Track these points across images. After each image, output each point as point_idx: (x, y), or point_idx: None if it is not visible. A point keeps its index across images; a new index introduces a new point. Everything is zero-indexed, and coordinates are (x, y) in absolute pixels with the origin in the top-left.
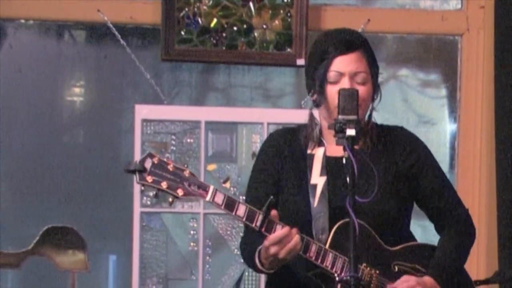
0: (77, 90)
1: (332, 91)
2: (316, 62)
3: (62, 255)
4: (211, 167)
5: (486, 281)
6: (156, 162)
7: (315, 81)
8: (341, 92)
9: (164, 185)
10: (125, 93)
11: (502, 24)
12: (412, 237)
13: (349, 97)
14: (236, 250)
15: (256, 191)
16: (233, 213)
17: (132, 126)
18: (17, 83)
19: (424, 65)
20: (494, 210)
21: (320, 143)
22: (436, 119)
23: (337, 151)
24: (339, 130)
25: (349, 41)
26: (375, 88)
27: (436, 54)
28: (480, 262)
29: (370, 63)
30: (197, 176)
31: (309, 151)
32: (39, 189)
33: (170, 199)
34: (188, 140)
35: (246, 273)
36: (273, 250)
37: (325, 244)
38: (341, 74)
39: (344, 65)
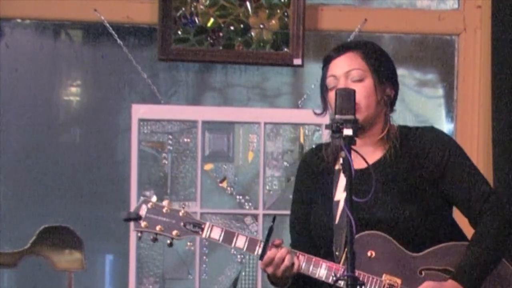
0: (73, 89)
1: (331, 97)
2: (322, 76)
3: (59, 254)
4: (208, 166)
5: None
6: (150, 207)
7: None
8: (338, 92)
9: (158, 228)
10: (122, 93)
11: (499, 24)
12: (455, 233)
13: (345, 97)
14: (232, 250)
15: (295, 212)
16: (232, 245)
17: (129, 125)
18: (13, 83)
19: (421, 65)
20: None
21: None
22: (433, 119)
23: (357, 164)
24: (336, 130)
25: (341, 45)
26: (382, 84)
27: (433, 54)
28: None
29: (368, 59)
30: (193, 215)
31: (336, 167)
32: (35, 188)
33: (168, 241)
34: (185, 140)
35: (243, 273)
36: (269, 270)
37: (339, 261)
38: (336, 78)
39: (336, 68)
